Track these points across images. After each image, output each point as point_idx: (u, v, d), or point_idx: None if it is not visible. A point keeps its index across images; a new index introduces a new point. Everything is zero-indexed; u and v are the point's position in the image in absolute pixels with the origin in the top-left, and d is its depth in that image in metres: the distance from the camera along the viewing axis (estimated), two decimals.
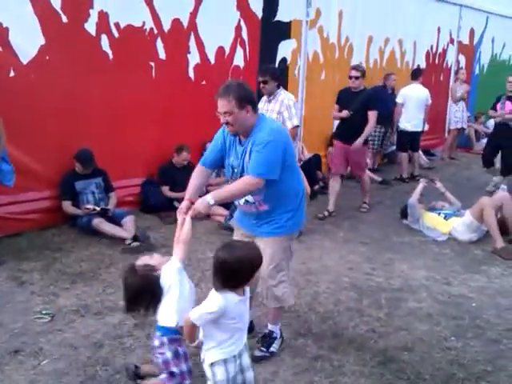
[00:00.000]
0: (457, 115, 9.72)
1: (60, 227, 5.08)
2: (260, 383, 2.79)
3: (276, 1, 6.89)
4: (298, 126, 5.33)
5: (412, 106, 7.90)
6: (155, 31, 5.68)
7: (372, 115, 5.84)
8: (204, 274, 4.09)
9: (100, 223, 4.90)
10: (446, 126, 10.75)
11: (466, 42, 11.16)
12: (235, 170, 2.86)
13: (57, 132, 5.03)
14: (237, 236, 3.09)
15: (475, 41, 11.47)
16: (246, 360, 2.37)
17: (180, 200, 2.82)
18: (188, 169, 5.67)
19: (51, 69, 4.93)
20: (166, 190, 5.84)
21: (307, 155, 7.48)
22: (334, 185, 6.11)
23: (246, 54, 6.74)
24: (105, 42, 5.29)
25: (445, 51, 10.63)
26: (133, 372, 2.78)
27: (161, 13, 5.67)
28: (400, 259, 4.79)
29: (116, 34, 5.36)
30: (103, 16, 5.22)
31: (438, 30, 10.20)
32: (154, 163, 5.92)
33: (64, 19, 4.95)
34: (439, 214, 5.60)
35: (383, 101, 8.19)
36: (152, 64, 5.75)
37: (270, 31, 6.94)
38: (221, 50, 6.43)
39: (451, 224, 5.41)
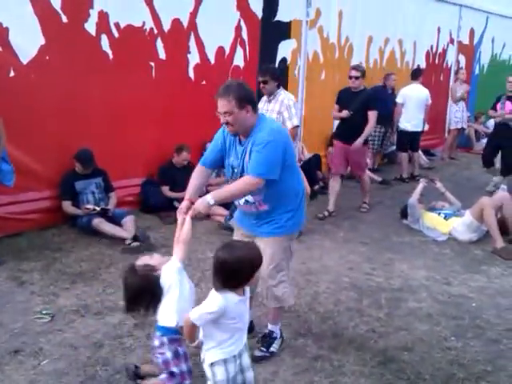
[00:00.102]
0: (457, 115, 9.71)
1: (60, 227, 5.08)
2: (260, 383, 2.79)
3: (276, 1, 6.89)
4: (297, 126, 5.33)
5: (412, 106, 7.89)
6: (155, 31, 5.68)
7: (372, 115, 5.84)
8: (204, 273, 4.09)
9: (100, 223, 4.90)
10: (446, 126, 10.75)
11: (465, 41, 11.16)
12: (235, 170, 2.85)
13: (57, 132, 5.03)
14: (237, 236, 3.09)
15: (475, 41, 11.47)
16: (246, 360, 2.37)
17: (180, 200, 2.83)
18: (188, 169, 5.66)
19: (51, 69, 4.93)
20: (165, 190, 5.84)
21: (307, 155, 7.48)
22: (334, 185, 6.11)
23: (245, 54, 6.74)
24: (105, 42, 5.29)
25: (445, 51, 10.63)
26: (133, 372, 2.78)
27: (161, 13, 5.67)
28: (400, 259, 4.79)
29: (116, 34, 5.36)
30: (103, 16, 5.22)
31: (438, 29, 10.20)
32: (153, 163, 5.92)
33: (64, 19, 4.95)
34: (439, 214, 5.60)
35: (383, 101, 8.19)
36: (152, 64, 5.75)
37: (270, 31, 6.94)
38: (221, 50, 6.43)
39: (451, 224, 5.41)
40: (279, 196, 2.85)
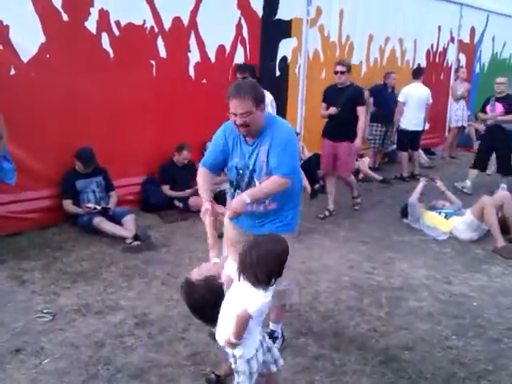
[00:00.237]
0: (457, 113, 9.70)
1: (61, 226, 5.07)
2: (260, 383, 2.79)
3: None
4: None
5: (413, 105, 7.87)
6: (156, 29, 5.67)
7: (361, 111, 5.72)
8: None
9: (101, 222, 4.90)
10: (447, 125, 10.74)
11: (466, 40, 11.15)
12: (240, 171, 2.82)
13: (57, 130, 5.02)
14: (232, 235, 3.03)
15: (476, 39, 11.45)
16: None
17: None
18: (189, 168, 5.68)
19: (52, 67, 4.92)
20: (166, 189, 5.83)
21: (307, 154, 7.48)
22: (329, 184, 6.10)
23: (246, 52, 6.73)
24: (105, 40, 5.28)
25: (445, 50, 10.62)
26: (215, 381, 2.76)
27: (161, 11, 5.66)
28: (400, 258, 4.79)
29: (116, 33, 5.35)
30: (104, 14, 5.21)
31: (439, 28, 10.18)
32: (154, 162, 5.91)
33: (64, 17, 4.94)
34: (440, 213, 5.59)
35: (383, 99, 8.21)
36: (152, 62, 5.75)
37: (271, 30, 6.92)
38: (221, 48, 6.42)
39: (452, 223, 5.41)
40: (287, 194, 2.82)
